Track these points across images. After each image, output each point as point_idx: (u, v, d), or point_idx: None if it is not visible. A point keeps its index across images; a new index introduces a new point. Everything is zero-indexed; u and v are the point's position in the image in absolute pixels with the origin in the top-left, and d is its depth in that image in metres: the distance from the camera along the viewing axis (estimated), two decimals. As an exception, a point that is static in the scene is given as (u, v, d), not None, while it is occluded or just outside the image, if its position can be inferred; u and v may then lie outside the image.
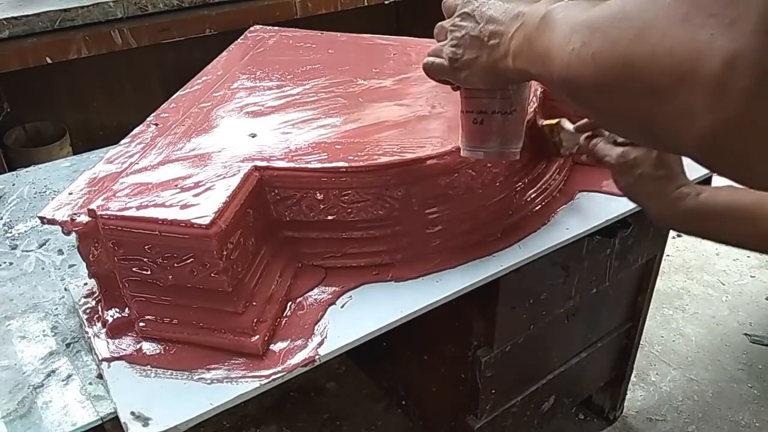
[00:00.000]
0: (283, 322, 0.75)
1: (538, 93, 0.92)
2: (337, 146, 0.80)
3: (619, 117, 0.39)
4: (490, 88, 0.64)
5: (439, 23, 0.63)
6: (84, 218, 0.72)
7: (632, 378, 1.52)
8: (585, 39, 0.40)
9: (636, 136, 0.42)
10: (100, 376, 0.71)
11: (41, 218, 0.74)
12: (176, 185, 0.73)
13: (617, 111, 0.38)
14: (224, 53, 1.17)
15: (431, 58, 0.64)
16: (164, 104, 0.98)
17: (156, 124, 0.91)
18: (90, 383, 0.71)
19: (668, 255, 2.03)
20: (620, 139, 0.78)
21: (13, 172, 1.13)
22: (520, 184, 0.90)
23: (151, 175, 0.77)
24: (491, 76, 0.58)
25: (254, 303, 0.73)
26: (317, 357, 0.71)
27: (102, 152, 1.12)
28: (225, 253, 0.67)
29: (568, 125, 0.87)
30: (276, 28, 1.27)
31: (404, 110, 0.89)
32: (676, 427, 1.52)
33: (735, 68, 0.29)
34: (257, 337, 0.71)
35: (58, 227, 0.73)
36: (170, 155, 0.81)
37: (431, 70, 0.64)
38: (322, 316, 0.76)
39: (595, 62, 0.38)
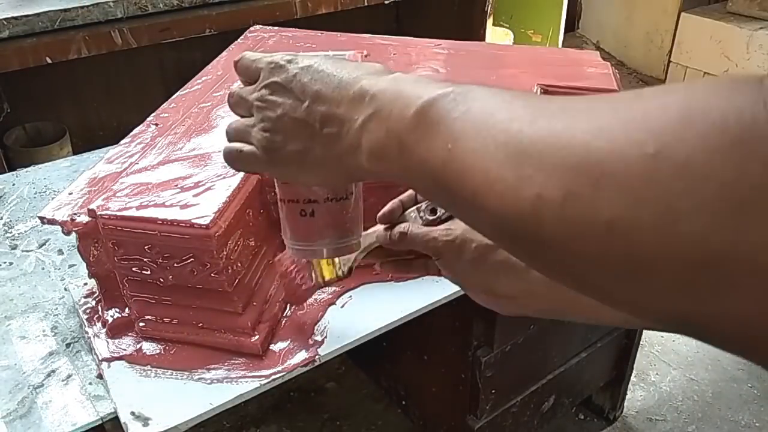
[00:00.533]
0: (283, 322, 0.75)
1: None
2: (337, 146, 0.80)
3: (638, 306, 0.26)
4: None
5: (235, 89, 0.44)
6: (84, 218, 0.72)
7: (632, 378, 1.52)
8: (572, 186, 0.25)
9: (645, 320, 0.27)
10: (100, 376, 0.71)
11: (41, 218, 0.74)
12: (176, 185, 0.73)
13: (639, 302, 0.25)
14: (224, 53, 1.16)
15: (236, 145, 0.43)
16: (164, 104, 0.98)
17: (156, 124, 0.91)
18: (90, 383, 0.71)
19: (668, 255, 2.02)
20: (434, 215, 0.53)
21: (13, 172, 1.13)
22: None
23: (151, 175, 0.77)
24: (336, 173, 0.40)
25: (254, 303, 0.73)
26: (317, 357, 0.71)
27: (102, 152, 1.12)
28: (225, 253, 0.67)
29: None
30: (276, 28, 1.27)
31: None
32: (676, 427, 1.52)
33: None
34: (257, 337, 0.71)
35: (58, 227, 0.73)
36: (170, 155, 0.81)
37: (238, 161, 0.43)
38: (322, 316, 0.76)
39: (614, 233, 0.24)
